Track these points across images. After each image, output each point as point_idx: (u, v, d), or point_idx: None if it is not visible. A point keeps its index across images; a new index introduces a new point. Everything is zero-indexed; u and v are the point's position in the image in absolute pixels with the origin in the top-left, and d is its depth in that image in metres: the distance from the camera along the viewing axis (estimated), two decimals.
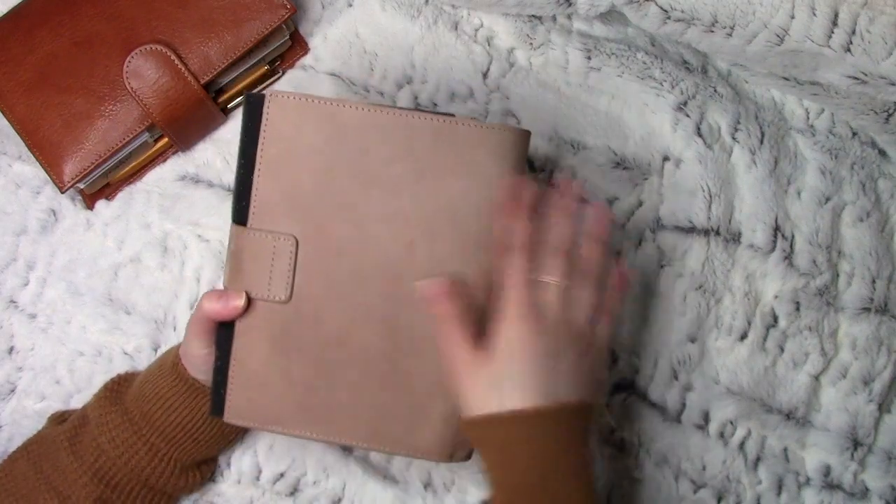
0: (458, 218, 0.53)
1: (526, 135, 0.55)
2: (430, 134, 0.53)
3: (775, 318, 0.67)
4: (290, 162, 0.53)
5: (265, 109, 0.52)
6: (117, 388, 0.59)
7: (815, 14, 0.61)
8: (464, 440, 0.54)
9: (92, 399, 0.60)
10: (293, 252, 0.53)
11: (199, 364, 0.55)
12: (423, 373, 0.53)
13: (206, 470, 0.61)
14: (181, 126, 0.64)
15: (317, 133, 0.53)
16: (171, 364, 0.57)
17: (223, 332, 0.54)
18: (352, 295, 0.53)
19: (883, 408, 0.67)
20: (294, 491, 0.63)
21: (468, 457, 0.55)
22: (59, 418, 0.61)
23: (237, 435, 0.61)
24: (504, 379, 0.49)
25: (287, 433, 0.54)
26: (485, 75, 0.69)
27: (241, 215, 0.53)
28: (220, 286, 0.66)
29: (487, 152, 0.53)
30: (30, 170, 0.68)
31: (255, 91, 0.68)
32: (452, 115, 0.54)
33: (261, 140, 0.53)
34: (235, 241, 0.53)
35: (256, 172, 0.53)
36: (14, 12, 0.65)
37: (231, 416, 0.53)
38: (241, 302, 0.52)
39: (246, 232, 0.53)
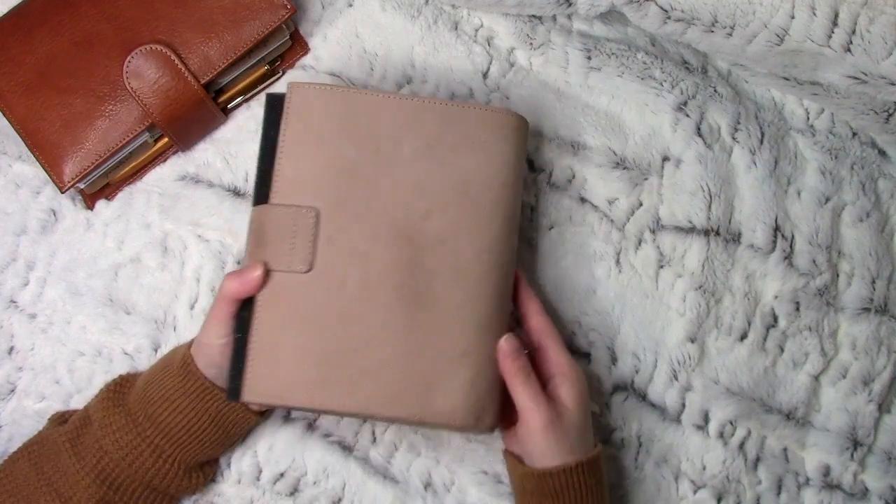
0: (470, 191, 0.57)
1: (525, 121, 0.60)
2: (439, 116, 0.58)
3: (775, 319, 0.67)
4: (310, 144, 0.56)
5: (287, 98, 0.57)
6: (119, 390, 0.59)
7: (815, 14, 0.61)
8: (488, 410, 0.55)
9: (93, 400, 0.59)
10: (314, 224, 0.55)
11: (215, 355, 0.55)
12: (446, 339, 0.55)
13: (208, 471, 0.61)
14: (181, 126, 0.64)
15: (335, 118, 0.57)
16: (179, 363, 0.57)
17: (243, 313, 0.55)
18: (370, 263, 0.55)
19: (883, 408, 0.67)
20: (294, 491, 0.63)
21: (492, 429, 0.56)
22: (60, 419, 0.61)
23: (241, 436, 0.61)
24: (577, 428, 0.56)
25: (308, 407, 0.54)
26: (485, 75, 0.69)
27: (262, 196, 0.56)
28: (219, 285, 0.66)
29: (493, 133, 0.58)
30: (30, 170, 0.68)
31: (255, 91, 0.68)
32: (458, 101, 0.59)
33: (283, 125, 0.57)
34: (257, 218, 0.56)
35: (278, 155, 0.56)
36: (14, 12, 0.65)
37: (250, 393, 0.54)
38: (258, 272, 0.53)
39: (268, 208, 0.56)
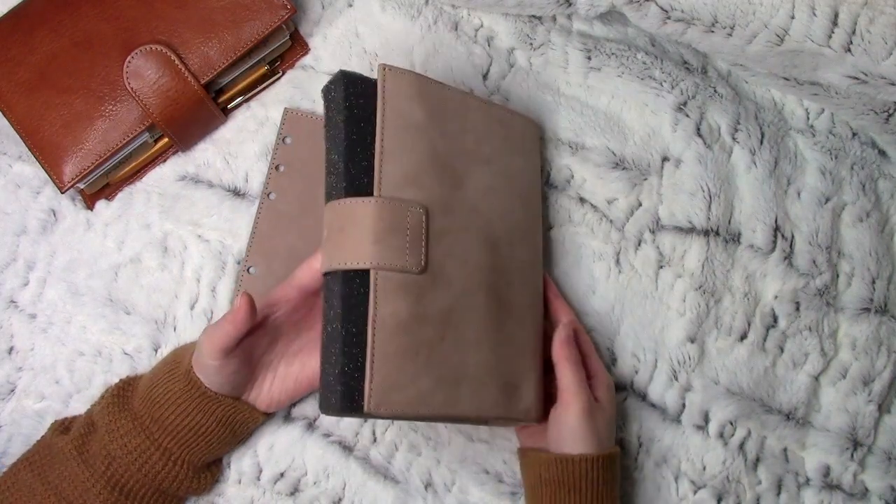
0: (525, 194, 0.60)
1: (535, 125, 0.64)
2: (500, 120, 0.60)
3: (775, 319, 0.67)
4: (410, 134, 0.53)
5: (381, 81, 0.53)
6: (123, 394, 0.59)
7: (815, 14, 0.61)
8: (539, 404, 0.58)
9: (97, 406, 0.59)
10: (425, 221, 0.52)
11: (212, 374, 0.55)
12: (523, 340, 0.57)
13: (215, 471, 0.61)
14: (181, 126, 0.64)
15: (429, 108, 0.54)
16: (184, 372, 0.56)
17: (345, 313, 0.49)
18: (469, 265, 0.55)
19: (883, 408, 0.67)
20: (294, 491, 0.63)
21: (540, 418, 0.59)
22: (62, 426, 0.60)
23: (248, 435, 0.62)
24: (606, 424, 0.58)
25: (427, 418, 0.51)
26: (485, 76, 0.69)
27: (356, 188, 0.50)
28: (220, 285, 0.66)
29: (531, 139, 0.63)
30: (30, 170, 0.68)
31: (255, 91, 0.68)
32: (492, 102, 0.62)
33: (380, 110, 0.52)
34: (357, 212, 0.50)
35: (379, 142, 0.51)
36: (14, 12, 0.65)
37: (378, 405, 0.48)
38: (246, 306, 0.53)
39: (376, 201, 0.50)
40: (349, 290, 0.50)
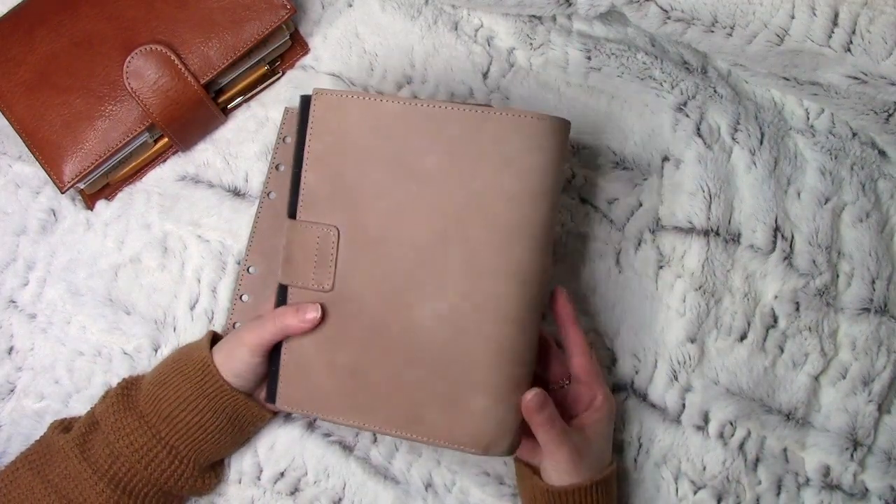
0: (487, 208, 0.53)
1: (565, 124, 0.54)
2: (463, 124, 0.54)
3: (775, 319, 0.67)
4: (335, 155, 0.56)
5: (312, 105, 0.56)
6: (127, 393, 0.58)
7: (815, 14, 0.61)
8: (505, 437, 0.54)
9: (100, 405, 0.59)
10: (335, 242, 0.55)
11: (243, 371, 0.57)
12: (465, 365, 0.54)
13: (219, 472, 0.61)
14: (181, 126, 0.64)
15: (359, 126, 0.56)
16: (197, 366, 0.57)
17: None
18: (390, 284, 0.55)
19: (882, 408, 0.67)
20: (294, 491, 0.63)
21: (510, 453, 0.55)
22: (62, 426, 0.60)
23: (254, 434, 0.62)
24: (592, 458, 0.57)
25: (330, 420, 0.56)
26: (485, 75, 0.69)
27: (292, 210, 0.57)
28: (220, 285, 0.66)
29: (522, 141, 0.53)
30: (30, 170, 0.68)
31: (255, 91, 0.68)
32: (490, 106, 0.56)
33: (308, 135, 0.56)
34: (287, 234, 0.57)
35: (304, 166, 0.56)
36: (14, 12, 0.65)
37: (282, 402, 0.57)
38: (316, 314, 0.55)
39: (294, 224, 0.57)
40: (280, 301, 0.58)
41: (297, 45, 0.69)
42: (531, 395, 0.53)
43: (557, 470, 0.56)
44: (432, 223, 0.54)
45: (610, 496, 0.58)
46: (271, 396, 0.57)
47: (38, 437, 0.59)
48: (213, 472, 0.60)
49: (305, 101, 0.57)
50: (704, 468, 0.65)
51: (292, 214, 0.57)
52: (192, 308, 0.65)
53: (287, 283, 0.57)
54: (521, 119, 0.53)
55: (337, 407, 0.55)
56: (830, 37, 0.61)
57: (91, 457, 0.56)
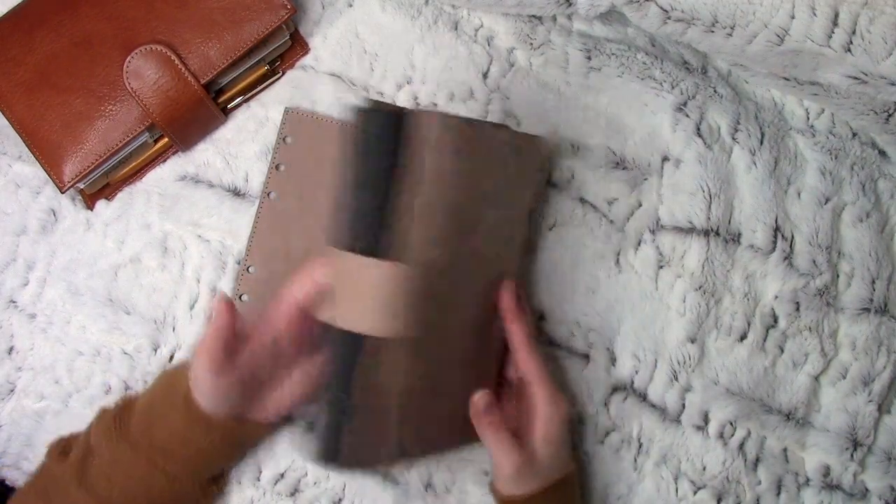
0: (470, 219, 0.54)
1: (536, 143, 0.56)
2: (505, 146, 0.54)
3: (775, 319, 0.67)
4: (435, 185, 0.48)
5: (415, 121, 0.47)
6: (120, 422, 0.57)
7: (815, 14, 0.61)
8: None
9: (94, 430, 0.57)
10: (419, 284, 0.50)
11: (209, 393, 0.54)
12: (463, 385, 0.56)
13: (221, 484, 0.61)
14: (181, 126, 0.64)
15: (459, 153, 0.49)
16: (182, 399, 0.55)
17: (339, 374, 0.50)
18: (439, 321, 0.53)
19: (882, 408, 0.67)
20: (294, 491, 0.63)
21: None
22: (59, 449, 0.58)
23: (252, 447, 0.62)
24: (542, 465, 0.56)
25: (389, 466, 0.57)
26: (485, 75, 0.69)
27: (373, 248, 0.48)
28: (220, 285, 0.66)
29: (523, 160, 0.56)
30: (30, 170, 0.68)
31: (255, 91, 0.68)
32: (506, 127, 0.57)
33: (415, 160, 0.47)
34: (375, 275, 0.48)
35: (400, 198, 0.47)
36: (14, 12, 0.65)
37: (349, 464, 0.51)
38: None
39: (402, 268, 0.48)
40: (343, 350, 0.50)
41: (297, 45, 0.69)
42: (478, 397, 0.55)
43: (504, 478, 0.56)
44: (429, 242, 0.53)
45: (566, 499, 0.58)
46: (331, 454, 0.50)
47: (37, 438, 0.59)
48: (215, 484, 0.60)
49: (373, 115, 0.48)
50: (704, 468, 0.65)
51: (373, 251, 0.48)
52: (192, 308, 0.66)
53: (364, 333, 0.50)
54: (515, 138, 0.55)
55: (391, 451, 0.53)
56: (830, 37, 0.61)
57: (90, 485, 0.55)
